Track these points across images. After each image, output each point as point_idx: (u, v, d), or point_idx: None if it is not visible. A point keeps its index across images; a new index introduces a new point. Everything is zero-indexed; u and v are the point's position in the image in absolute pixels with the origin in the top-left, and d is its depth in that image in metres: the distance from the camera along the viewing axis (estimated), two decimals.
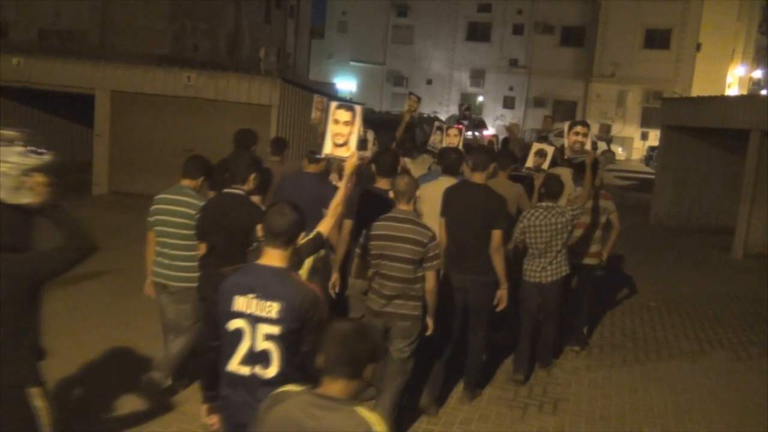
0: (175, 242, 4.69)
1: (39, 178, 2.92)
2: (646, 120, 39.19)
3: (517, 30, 44.16)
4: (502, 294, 5.15)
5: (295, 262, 3.07)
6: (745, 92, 36.89)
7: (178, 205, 4.68)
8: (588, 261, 6.46)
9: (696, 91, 33.37)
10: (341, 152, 3.84)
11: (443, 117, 29.98)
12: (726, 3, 39.19)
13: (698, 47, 39.47)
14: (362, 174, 5.34)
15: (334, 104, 3.96)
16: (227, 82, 13.00)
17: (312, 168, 5.50)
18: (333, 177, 5.66)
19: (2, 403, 2.87)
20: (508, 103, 44.62)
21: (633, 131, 40.62)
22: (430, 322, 4.49)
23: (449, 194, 5.24)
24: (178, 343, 4.83)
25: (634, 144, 40.30)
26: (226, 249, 4.27)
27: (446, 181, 5.45)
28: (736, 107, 13.23)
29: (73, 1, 22.55)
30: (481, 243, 5.05)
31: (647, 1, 38.88)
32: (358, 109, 3.91)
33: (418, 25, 46.31)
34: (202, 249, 4.52)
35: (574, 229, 5.89)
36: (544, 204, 5.67)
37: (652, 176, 18.19)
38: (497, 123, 40.55)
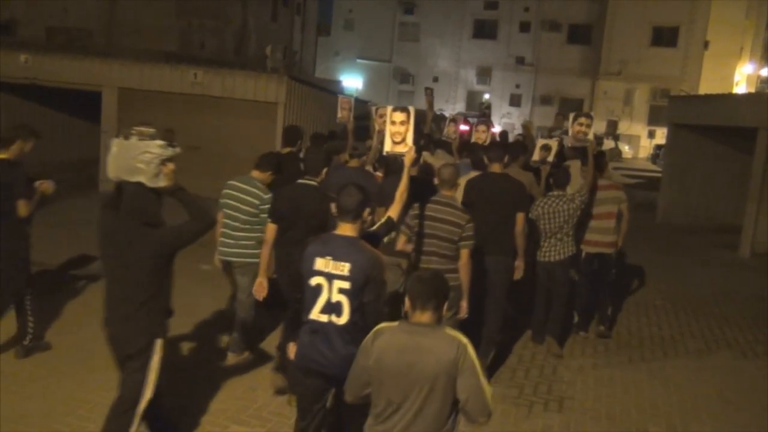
0: (239, 225, 5.39)
1: (171, 166, 3.60)
2: (654, 118, 39.09)
3: (524, 27, 44.11)
4: (519, 264, 5.81)
5: (363, 232, 3.71)
6: (753, 90, 36.72)
7: (245, 194, 5.39)
8: (606, 250, 6.88)
9: (704, 89, 33.24)
10: (400, 148, 4.42)
11: (449, 114, 29.96)
12: (734, 0, 39.00)
13: (706, 45, 39.33)
14: (391, 165, 5.89)
15: (390, 108, 4.59)
16: (234, 79, 13.02)
17: (354, 162, 6.23)
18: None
19: (137, 350, 3.63)
20: (515, 101, 44.58)
21: (640, 129, 40.53)
22: (464, 305, 4.90)
23: (472, 184, 5.85)
24: (238, 315, 5.61)
25: (641, 142, 40.22)
26: (300, 233, 4.71)
27: (476, 174, 6.11)
28: (743, 105, 13.19)
29: None
30: (503, 227, 5.64)
31: None
32: (411, 109, 4.47)
33: (424, 23, 46.29)
34: (270, 229, 4.99)
35: (591, 220, 6.64)
36: (555, 193, 6.34)
37: (659, 174, 18.15)
38: (504, 121, 40.50)
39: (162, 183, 3.58)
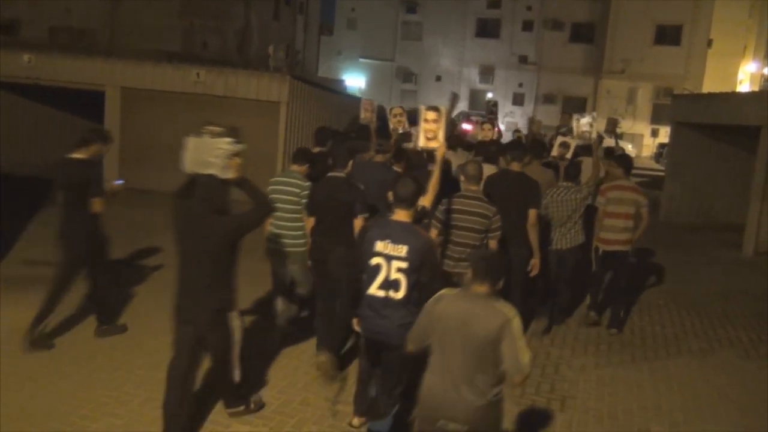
0: (286, 215, 5.73)
1: (237, 160, 4.12)
2: (657, 116, 38.97)
3: (527, 26, 44.03)
4: (535, 262, 6.18)
5: (418, 218, 4.21)
6: (756, 89, 36.60)
7: (287, 185, 5.82)
8: (622, 248, 7.09)
9: (707, 87, 33.13)
10: (432, 144, 4.84)
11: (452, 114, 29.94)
12: None
13: (709, 43, 39.20)
14: (412, 160, 6.49)
15: (423, 107, 5.01)
16: (236, 78, 13.02)
17: (379, 158, 6.72)
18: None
19: (212, 322, 4.15)
20: (518, 100, 44.51)
21: (643, 128, 40.41)
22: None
23: (491, 180, 6.21)
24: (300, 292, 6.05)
25: (645, 141, 40.08)
26: (333, 222, 5.29)
27: (488, 169, 6.41)
28: (747, 104, 13.14)
29: None
30: (518, 221, 6.04)
31: None
32: (442, 108, 4.90)
33: (427, 22, 46.23)
34: (309, 222, 5.52)
35: (607, 218, 7.01)
36: (564, 184, 6.91)
37: (662, 173, 18.11)
38: (507, 120, 40.44)
39: (230, 174, 4.11)
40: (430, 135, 4.92)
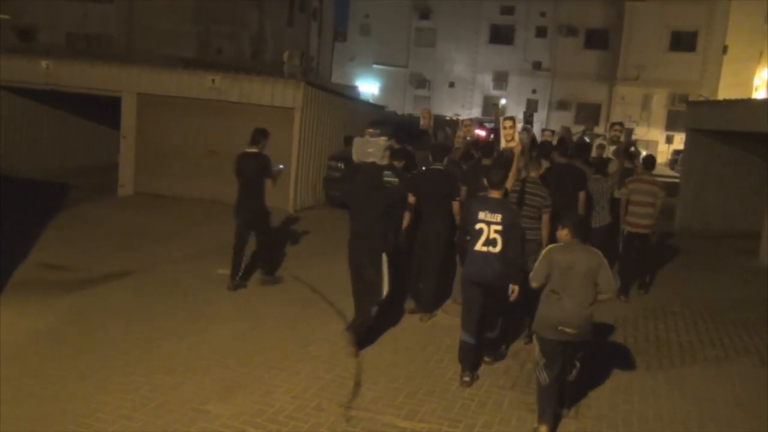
0: None
1: (389, 152, 6.40)
2: (672, 123, 38.75)
3: (541, 32, 43.92)
4: None
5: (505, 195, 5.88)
6: None
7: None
8: (643, 231, 8.78)
9: (722, 94, 32.91)
10: (511, 144, 6.55)
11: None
12: (753, 5, 38.55)
13: (725, 50, 38.92)
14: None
15: (502, 117, 7.00)
16: (251, 84, 13.07)
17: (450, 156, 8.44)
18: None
19: (373, 260, 6.11)
20: (532, 106, 44.35)
21: (658, 134, 40.18)
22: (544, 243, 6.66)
23: (550, 172, 7.67)
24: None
25: (659, 147, 39.79)
26: (435, 203, 7.07)
27: (543, 163, 7.87)
28: (763, 110, 13.02)
29: (100, 5, 22.84)
30: (570, 202, 7.58)
31: (673, 2, 38.44)
32: (515, 118, 6.76)
33: (440, 28, 46.24)
34: (411, 199, 7.07)
35: (630, 206, 8.69)
36: (595, 176, 8.70)
37: (677, 180, 17.98)
38: (519, 126, 40.26)
39: (384, 162, 6.27)
40: (508, 138, 6.50)
